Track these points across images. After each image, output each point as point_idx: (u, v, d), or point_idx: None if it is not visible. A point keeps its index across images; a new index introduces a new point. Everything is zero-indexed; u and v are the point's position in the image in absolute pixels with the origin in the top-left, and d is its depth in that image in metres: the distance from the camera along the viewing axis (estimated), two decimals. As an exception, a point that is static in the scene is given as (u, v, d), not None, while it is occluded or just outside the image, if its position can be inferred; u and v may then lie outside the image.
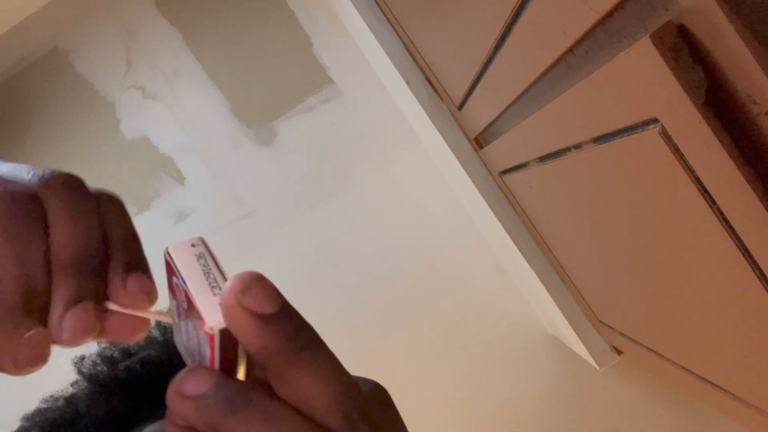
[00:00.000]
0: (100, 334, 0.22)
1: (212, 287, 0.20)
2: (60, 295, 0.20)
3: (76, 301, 0.20)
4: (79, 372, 0.42)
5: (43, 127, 1.29)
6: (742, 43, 0.28)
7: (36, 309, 0.20)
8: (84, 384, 0.42)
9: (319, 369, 0.19)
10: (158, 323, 0.45)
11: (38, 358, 0.20)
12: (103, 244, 0.22)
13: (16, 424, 0.42)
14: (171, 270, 0.21)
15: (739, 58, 0.29)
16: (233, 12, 1.28)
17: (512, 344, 1.19)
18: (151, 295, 0.22)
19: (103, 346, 0.43)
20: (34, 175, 0.23)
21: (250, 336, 0.18)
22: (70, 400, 0.42)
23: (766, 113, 0.29)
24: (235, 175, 1.28)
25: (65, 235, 0.21)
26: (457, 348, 1.20)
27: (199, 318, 0.19)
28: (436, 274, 1.23)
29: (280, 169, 1.27)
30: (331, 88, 1.27)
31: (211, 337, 0.19)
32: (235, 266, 1.20)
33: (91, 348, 0.42)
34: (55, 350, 0.21)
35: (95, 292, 0.21)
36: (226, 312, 0.18)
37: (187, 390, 0.19)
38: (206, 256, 0.21)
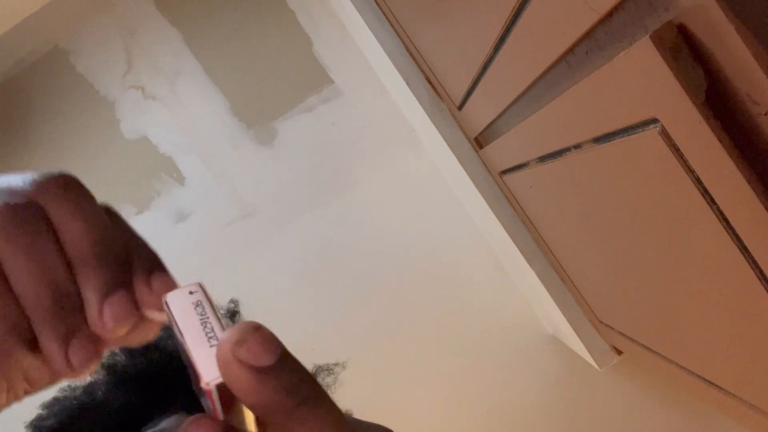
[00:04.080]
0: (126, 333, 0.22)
1: (209, 338, 0.20)
2: (91, 289, 0.20)
3: (108, 291, 0.20)
4: None
5: (43, 127, 1.29)
6: (742, 43, 0.28)
7: (72, 310, 0.20)
8: (102, 373, 0.42)
9: (320, 424, 0.18)
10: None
11: (91, 356, 0.20)
12: (117, 243, 0.22)
13: (34, 413, 0.42)
14: (170, 318, 0.21)
15: (739, 58, 0.29)
16: (233, 12, 1.28)
17: (512, 344, 1.19)
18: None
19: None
20: (27, 181, 0.21)
21: (246, 390, 0.18)
22: (88, 390, 0.42)
23: (766, 113, 0.29)
24: (235, 175, 1.28)
25: (76, 231, 0.21)
26: (456, 348, 1.20)
27: (196, 372, 0.19)
28: (435, 274, 1.23)
29: (280, 169, 1.27)
30: (331, 88, 1.27)
31: (209, 393, 0.19)
32: (235, 266, 1.19)
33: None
34: None
35: (125, 281, 0.21)
36: (222, 367, 0.18)
37: None
38: (204, 303, 0.21)
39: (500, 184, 0.95)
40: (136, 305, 0.21)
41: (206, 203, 1.28)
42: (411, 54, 0.97)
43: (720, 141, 0.31)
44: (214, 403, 0.19)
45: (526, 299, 1.20)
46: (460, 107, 0.88)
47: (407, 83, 0.98)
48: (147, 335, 0.22)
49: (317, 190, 1.26)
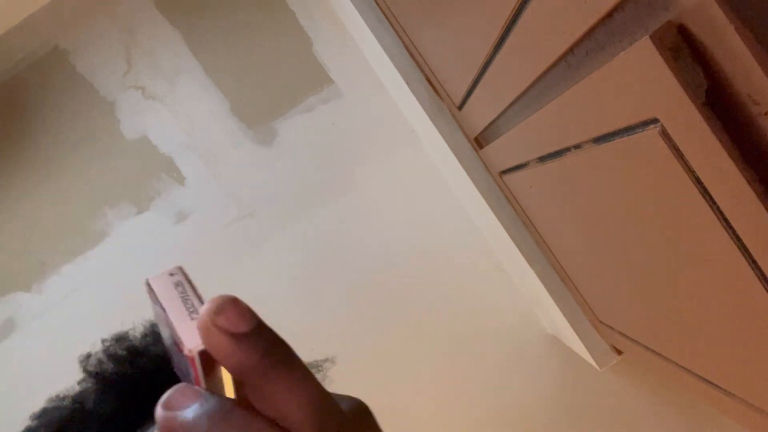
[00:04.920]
0: None
1: (190, 312, 0.21)
2: None
3: None
4: (85, 370, 0.42)
5: (43, 127, 1.29)
6: (742, 43, 0.28)
7: None
8: (91, 382, 0.42)
9: (293, 384, 0.20)
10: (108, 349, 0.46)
11: None
12: None
13: (24, 424, 0.42)
14: (153, 299, 0.22)
15: (739, 58, 0.29)
16: (233, 12, 1.28)
17: (512, 344, 1.19)
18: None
19: (107, 344, 0.43)
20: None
21: (225, 354, 0.19)
22: (77, 399, 0.42)
23: (766, 113, 0.29)
24: (235, 175, 1.28)
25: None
26: (456, 347, 1.20)
27: (180, 342, 0.20)
28: (435, 274, 1.23)
29: (281, 169, 1.27)
30: (331, 88, 1.27)
31: (192, 359, 0.20)
32: (235, 266, 1.19)
33: (96, 346, 0.42)
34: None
35: None
36: (203, 333, 0.19)
37: (171, 405, 0.20)
38: (184, 283, 0.23)
39: (500, 184, 0.95)
40: None
41: (206, 203, 1.28)
42: (411, 54, 0.97)
43: (720, 141, 0.31)
44: (196, 370, 0.20)
45: (526, 299, 1.20)
46: (460, 107, 0.88)
47: (407, 83, 0.98)
48: None
49: (317, 190, 1.26)
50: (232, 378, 0.21)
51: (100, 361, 0.43)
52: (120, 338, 0.43)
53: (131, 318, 0.43)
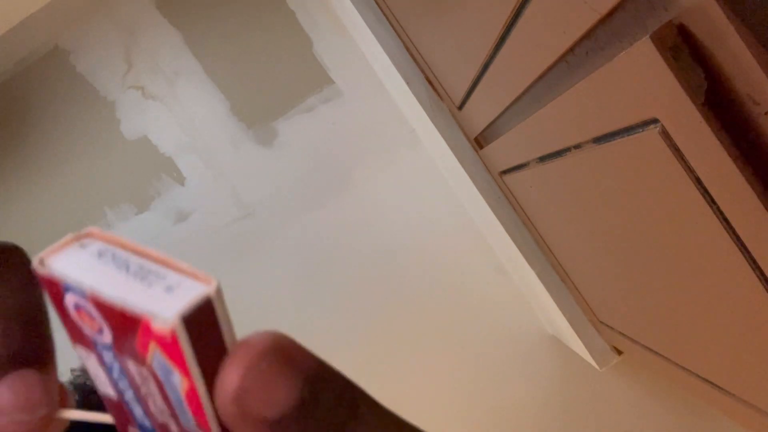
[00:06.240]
0: None
1: (143, 278, 0.13)
2: None
3: None
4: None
5: (43, 127, 1.29)
6: (742, 43, 0.28)
7: None
8: (73, 394, 0.40)
9: None
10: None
11: None
12: None
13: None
14: (57, 291, 0.13)
15: (739, 58, 0.29)
16: (233, 12, 1.28)
17: (512, 344, 1.19)
18: (34, 409, 0.14)
19: (76, 374, 0.41)
20: None
21: None
22: None
23: (766, 113, 0.29)
24: (235, 175, 1.28)
25: None
26: (456, 348, 1.20)
27: (136, 332, 0.12)
28: (435, 274, 1.23)
29: (280, 169, 1.27)
30: (331, 88, 1.27)
31: (169, 345, 0.12)
32: (235, 266, 1.19)
33: (63, 376, 0.40)
34: (59, 348, 0.17)
35: None
36: (225, 415, 0.13)
37: None
38: (109, 251, 0.14)
39: (500, 184, 0.95)
40: None
41: (206, 203, 1.28)
42: (411, 54, 0.97)
43: (720, 141, 0.31)
44: (185, 364, 0.12)
45: (526, 299, 1.20)
46: (460, 107, 0.88)
47: (407, 83, 0.98)
48: None
49: (317, 190, 1.26)
50: None
51: (81, 373, 0.40)
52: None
53: None
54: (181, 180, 1.28)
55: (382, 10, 0.98)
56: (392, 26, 0.97)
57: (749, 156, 0.31)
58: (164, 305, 0.12)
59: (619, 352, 0.97)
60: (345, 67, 1.27)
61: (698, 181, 0.36)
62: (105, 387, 0.15)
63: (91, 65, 1.30)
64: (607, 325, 0.86)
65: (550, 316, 1.08)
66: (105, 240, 0.14)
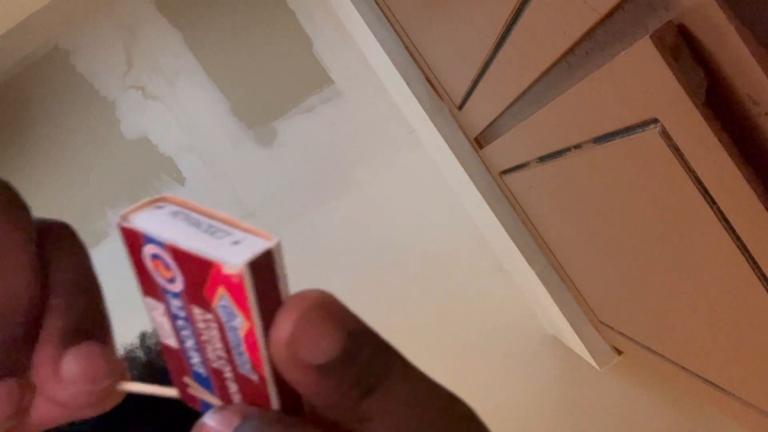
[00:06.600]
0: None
1: (213, 234, 0.14)
2: None
3: None
4: None
5: (43, 127, 1.29)
6: (742, 43, 0.28)
7: None
8: None
9: (394, 407, 0.15)
10: (143, 343, 0.38)
11: None
12: (36, 298, 0.16)
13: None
14: (137, 243, 0.15)
15: (739, 58, 0.29)
16: (233, 12, 1.28)
17: (512, 344, 1.19)
18: (98, 380, 0.15)
19: (148, 335, 0.42)
20: None
21: (305, 391, 0.14)
22: None
23: (766, 113, 0.29)
24: (235, 175, 1.28)
25: None
26: (456, 347, 1.20)
27: (206, 277, 0.14)
28: (435, 274, 1.23)
29: (280, 169, 1.27)
30: (331, 88, 1.27)
31: (236, 287, 0.13)
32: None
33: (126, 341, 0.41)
34: None
35: (14, 366, 0.15)
36: (278, 362, 0.14)
37: None
38: (183, 211, 0.15)
39: (500, 184, 0.95)
40: (22, 395, 0.15)
41: (206, 203, 1.27)
42: (411, 54, 0.97)
43: (720, 141, 0.31)
44: (247, 306, 0.14)
45: (526, 299, 1.20)
46: (460, 107, 0.88)
47: (407, 83, 0.98)
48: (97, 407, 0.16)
49: (317, 191, 1.26)
50: None
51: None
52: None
53: (128, 324, 0.42)
54: (181, 180, 1.28)
55: (382, 10, 0.98)
56: (392, 26, 0.97)
57: (749, 156, 0.31)
58: (233, 254, 0.13)
59: (619, 352, 0.97)
60: (345, 67, 1.27)
61: (698, 181, 0.36)
62: (167, 337, 0.16)
63: (91, 65, 1.30)
64: (607, 325, 0.86)
65: (550, 316, 1.08)
66: (177, 203, 0.15)
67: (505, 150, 0.80)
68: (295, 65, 1.27)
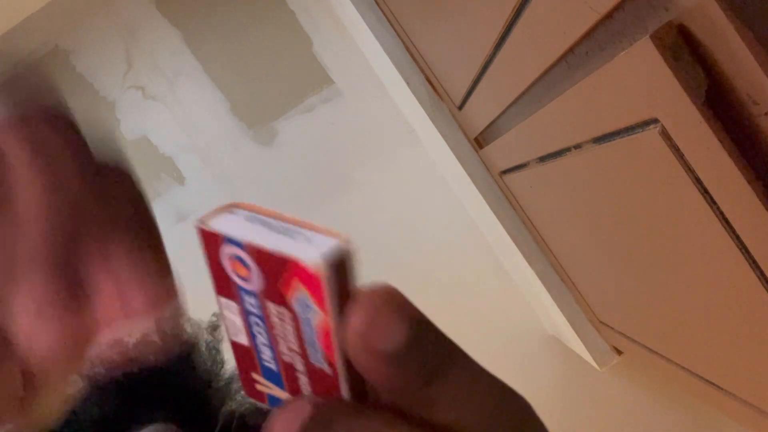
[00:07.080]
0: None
1: (286, 233, 0.16)
2: (20, 302, 0.16)
3: (41, 307, 0.16)
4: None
5: (43, 127, 1.29)
6: (742, 43, 0.28)
7: None
8: (79, 384, 0.41)
9: (455, 394, 0.16)
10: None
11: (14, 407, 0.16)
12: (95, 227, 0.16)
13: None
14: (215, 244, 0.16)
15: (739, 58, 0.28)
16: (233, 12, 1.28)
17: (512, 344, 1.19)
18: (163, 307, 0.17)
19: (214, 319, 0.42)
20: None
21: (376, 377, 0.15)
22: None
23: (766, 113, 0.29)
24: (235, 175, 1.28)
25: (25, 202, 0.16)
26: (457, 348, 1.20)
27: (283, 273, 0.15)
28: (435, 274, 1.23)
29: (280, 169, 1.27)
30: (331, 88, 1.27)
31: (314, 281, 0.15)
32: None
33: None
34: None
35: (69, 286, 0.16)
36: (352, 348, 0.15)
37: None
38: (255, 216, 0.16)
39: (500, 184, 0.95)
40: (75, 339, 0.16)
41: (206, 203, 1.28)
42: (411, 54, 0.97)
43: (720, 141, 0.31)
44: (324, 303, 0.15)
45: (526, 299, 1.20)
46: (460, 107, 0.88)
47: (407, 83, 0.98)
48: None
49: (317, 191, 1.26)
50: None
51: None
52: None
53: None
54: (181, 180, 1.28)
55: (382, 10, 0.98)
56: (392, 26, 0.97)
57: (749, 156, 0.31)
58: (309, 251, 0.15)
59: (619, 352, 0.97)
60: (345, 67, 1.27)
61: (698, 181, 0.36)
62: (236, 334, 0.17)
63: (91, 65, 1.30)
64: (607, 325, 0.86)
65: (550, 316, 1.08)
66: (249, 209, 0.17)
67: (505, 150, 0.80)
68: (295, 65, 1.27)
